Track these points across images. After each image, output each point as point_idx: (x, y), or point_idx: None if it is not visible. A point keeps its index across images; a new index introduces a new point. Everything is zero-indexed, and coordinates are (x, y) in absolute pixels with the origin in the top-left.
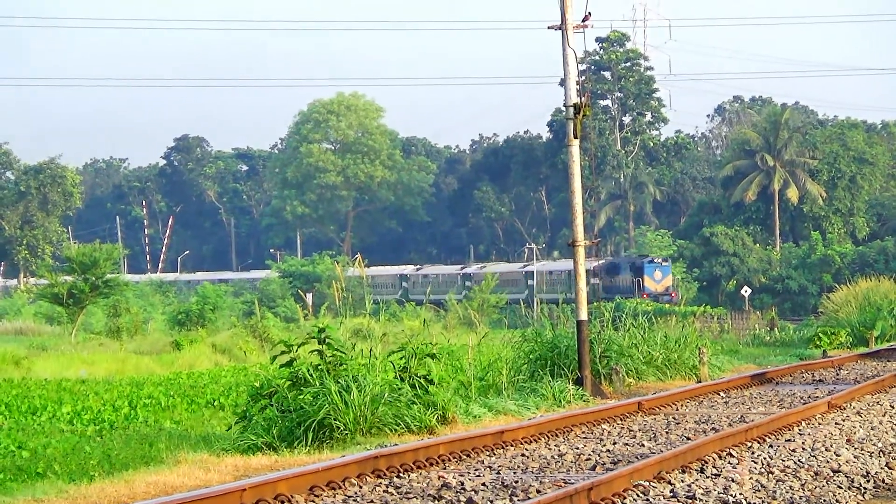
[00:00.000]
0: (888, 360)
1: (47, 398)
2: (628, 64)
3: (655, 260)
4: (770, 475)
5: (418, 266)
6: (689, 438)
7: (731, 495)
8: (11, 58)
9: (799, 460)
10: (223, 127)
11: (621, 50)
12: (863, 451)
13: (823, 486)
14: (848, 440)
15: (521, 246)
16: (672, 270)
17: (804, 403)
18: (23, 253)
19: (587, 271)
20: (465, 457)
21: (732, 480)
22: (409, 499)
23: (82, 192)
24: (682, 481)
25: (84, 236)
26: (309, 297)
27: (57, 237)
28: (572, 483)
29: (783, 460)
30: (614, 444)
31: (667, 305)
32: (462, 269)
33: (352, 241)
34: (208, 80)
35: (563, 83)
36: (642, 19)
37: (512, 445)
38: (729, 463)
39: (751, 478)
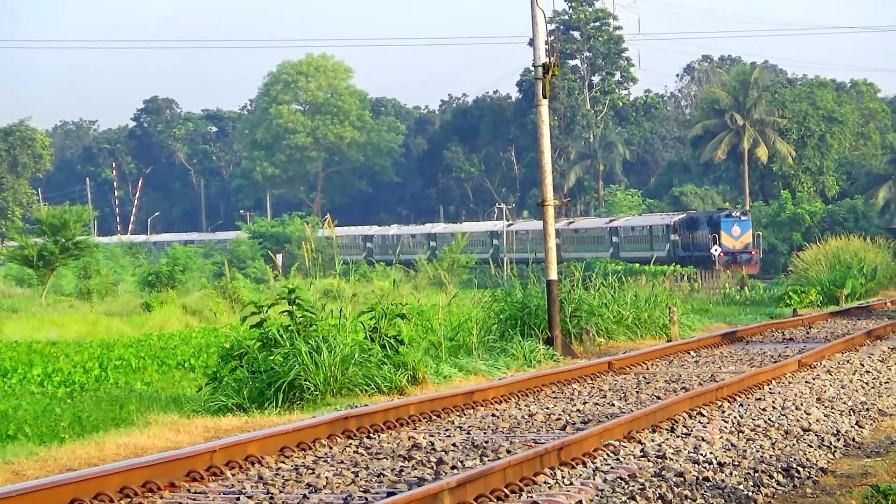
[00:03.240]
0: (858, 319)
1: (17, 360)
2: (597, 23)
3: (733, 213)
4: (740, 434)
5: (510, 222)
6: (659, 398)
7: (702, 454)
8: None
9: (769, 419)
10: (193, 88)
11: (590, 9)
12: (833, 410)
13: (794, 444)
14: (818, 399)
15: (490, 206)
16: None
17: (774, 362)
18: None
19: (667, 227)
20: (435, 417)
21: (703, 440)
22: (379, 459)
23: (52, 155)
24: (653, 441)
25: (54, 198)
26: (279, 258)
27: (27, 199)
28: (542, 443)
29: (753, 419)
30: (584, 403)
31: (741, 270)
32: None
33: (321, 202)
34: (178, 42)
35: (531, 43)
36: None
37: (482, 405)
38: (699, 422)
39: (721, 437)
